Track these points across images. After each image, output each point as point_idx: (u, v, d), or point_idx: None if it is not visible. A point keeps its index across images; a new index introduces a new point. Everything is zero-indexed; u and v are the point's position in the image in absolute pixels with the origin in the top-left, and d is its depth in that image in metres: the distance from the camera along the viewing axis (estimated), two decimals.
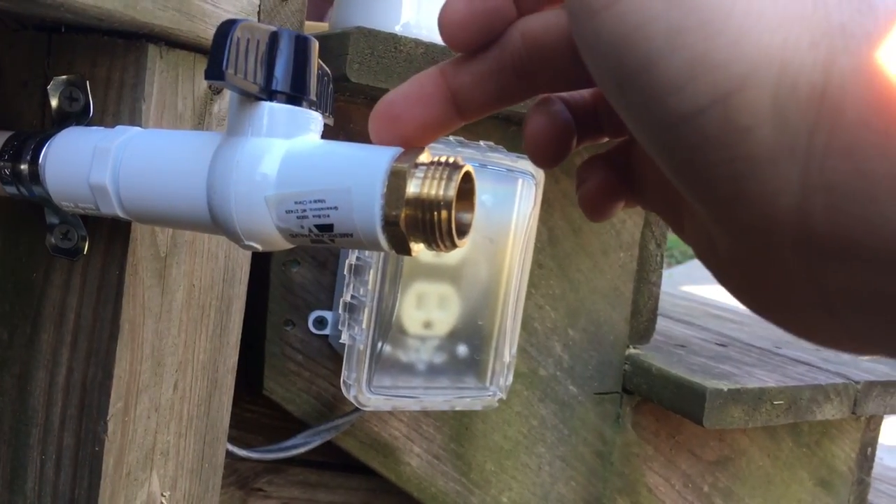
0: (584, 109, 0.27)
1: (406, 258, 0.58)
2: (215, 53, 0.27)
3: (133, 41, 0.38)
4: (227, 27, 0.27)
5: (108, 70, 0.38)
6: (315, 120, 0.31)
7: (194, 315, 0.44)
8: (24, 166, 0.36)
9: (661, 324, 0.97)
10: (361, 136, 0.63)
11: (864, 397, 0.84)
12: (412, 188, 0.27)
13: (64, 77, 0.38)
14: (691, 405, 0.72)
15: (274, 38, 0.29)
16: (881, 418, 0.98)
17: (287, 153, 0.30)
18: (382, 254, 0.56)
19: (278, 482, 0.76)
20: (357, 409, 0.63)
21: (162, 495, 0.45)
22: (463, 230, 0.28)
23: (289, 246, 0.31)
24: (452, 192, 0.27)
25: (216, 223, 0.31)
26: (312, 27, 0.79)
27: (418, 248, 0.28)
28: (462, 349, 0.62)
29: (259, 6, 0.42)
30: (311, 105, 0.31)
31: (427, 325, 0.60)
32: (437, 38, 0.63)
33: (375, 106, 0.25)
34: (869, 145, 0.15)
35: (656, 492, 0.83)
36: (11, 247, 0.41)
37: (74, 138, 0.35)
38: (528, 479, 0.76)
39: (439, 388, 0.61)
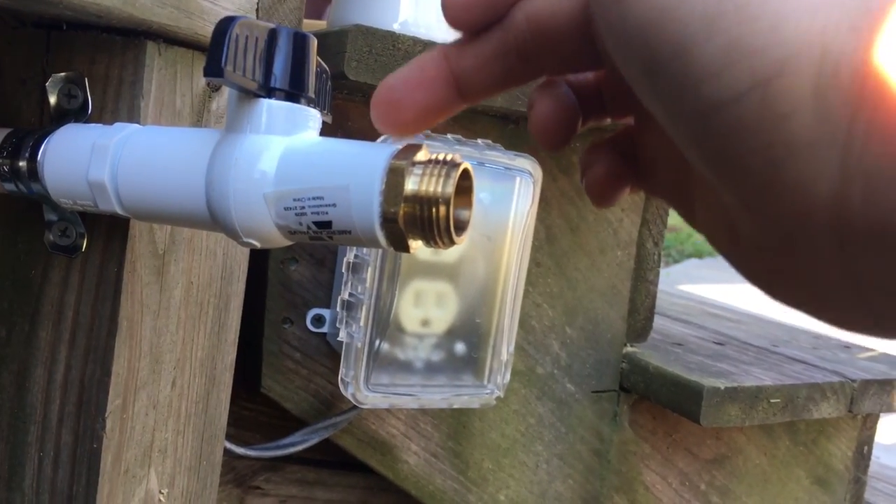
0: (588, 90, 0.26)
1: (404, 256, 0.58)
2: (214, 50, 0.27)
3: (131, 38, 0.38)
4: (225, 24, 0.28)
5: (107, 67, 0.38)
6: (313, 117, 0.31)
7: (192, 312, 0.44)
8: (22, 163, 0.36)
9: (659, 322, 0.97)
10: (359, 134, 0.63)
11: (860, 396, 0.85)
12: (410, 185, 0.27)
13: (62, 74, 0.38)
14: (688, 403, 0.72)
15: (273, 36, 0.30)
16: (878, 417, 0.99)
17: (285, 150, 0.30)
18: (380, 251, 0.56)
19: (276, 480, 0.76)
20: (355, 407, 0.63)
21: (160, 492, 0.45)
22: (461, 227, 0.28)
23: (287, 243, 0.32)
24: (451, 189, 0.27)
25: (215, 220, 0.31)
26: (311, 25, 0.79)
27: (416, 245, 0.29)
28: (460, 347, 0.62)
29: (258, 3, 0.42)
30: (310, 102, 0.31)
31: (425, 322, 0.60)
32: (435, 36, 0.63)
33: (376, 90, 0.25)
34: None
35: (653, 490, 0.84)
36: (10, 244, 0.41)
37: (73, 135, 0.35)
38: (526, 477, 0.76)
39: (437, 386, 0.61)
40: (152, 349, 0.42)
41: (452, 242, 0.28)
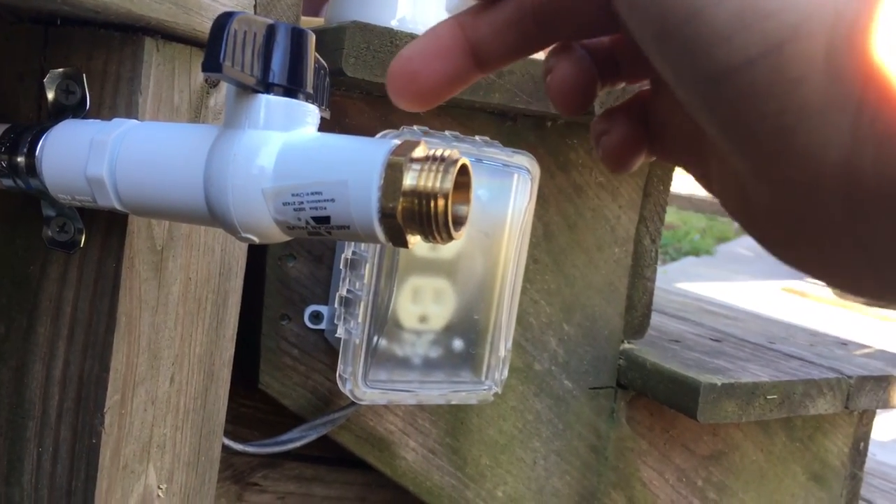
0: (604, 54, 0.26)
1: (402, 253, 0.58)
2: (212, 46, 0.27)
3: (129, 34, 0.38)
4: (224, 19, 0.28)
5: (105, 63, 0.38)
6: (312, 113, 0.31)
7: (191, 308, 0.44)
8: (20, 159, 0.36)
9: (656, 319, 0.98)
10: (357, 131, 0.63)
11: (856, 392, 0.85)
12: (409, 180, 0.27)
13: (60, 70, 0.38)
14: (685, 400, 0.72)
15: (271, 31, 0.30)
16: (874, 413, 0.99)
17: (284, 146, 0.30)
18: (378, 248, 0.56)
19: (274, 476, 0.77)
20: (353, 404, 0.64)
21: (158, 488, 0.45)
22: (459, 222, 0.28)
23: (286, 238, 0.32)
24: (449, 184, 0.27)
25: (213, 215, 0.31)
26: (308, 22, 0.79)
27: (415, 241, 0.29)
28: (457, 343, 0.62)
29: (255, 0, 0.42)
30: (308, 98, 0.31)
31: (423, 319, 0.60)
32: None
33: (392, 63, 0.24)
34: None
35: (650, 486, 0.84)
36: (8, 240, 0.41)
37: (71, 131, 0.35)
38: (523, 473, 0.76)
39: (435, 382, 0.61)
40: (150, 345, 0.42)
41: (451, 237, 0.28)
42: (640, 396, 0.80)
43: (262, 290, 0.63)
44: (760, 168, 0.18)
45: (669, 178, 0.79)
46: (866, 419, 0.98)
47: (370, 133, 0.59)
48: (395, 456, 0.70)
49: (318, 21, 0.81)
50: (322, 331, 0.65)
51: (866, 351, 1.05)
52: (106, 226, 0.39)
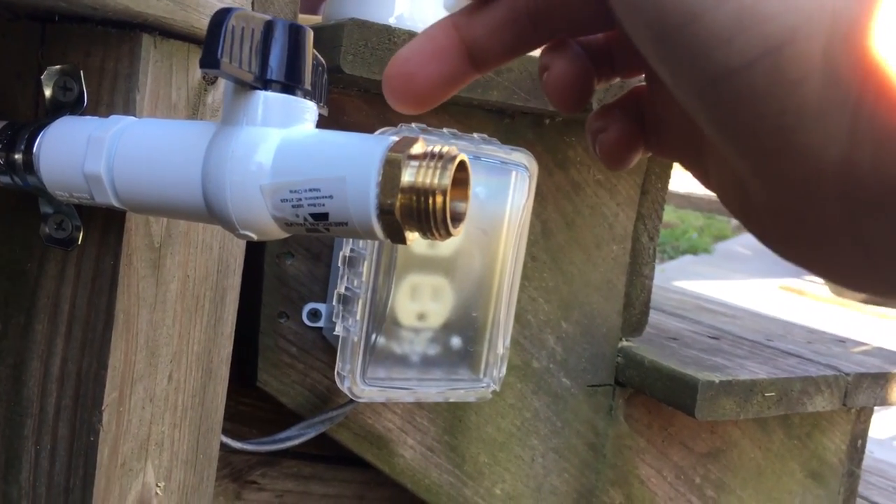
0: (599, 50, 0.26)
1: (400, 250, 0.58)
2: (210, 42, 0.27)
3: (127, 31, 0.38)
4: (221, 16, 0.28)
5: (102, 60, 0.38)
6: (310, 109, 0.31)
7: (189, 306, 0.44)
8: (18, 156, 0.36)
9: (654, 317, 0.98)
10: (355, 128, 0.63)
11: (854, 389, 0.85)
12: (407, 177, 0.27)
13: (58, 67, 0.38)
14: (683, 397, 0.73)
15: (269, 27, 0.30)
16: (871, 410, 0.99)
17: (282, 142, 0.30)
18: (376, 245, 0.56)
19: (272, 474, 0.77)
20: (351, 401, 0.64)
21: (157, 486, 0.45)
22: (457, 218, 0.28)
23: (284, 235, 0.32)
24: (447, 180, 0.27)
25: (211, 212, 0.31)
26: (306, 20, 0.79)
27: (413, 237, 0.29)
28: (456, 341, 0.62)
29: None
30: (306, 94, 0.31)
31: (421, 316, 0.60)
32: None
33: (389, 64, 0.24)
34: None
35: (648, 483, 0.84)
36: (5, 237, 0.41)
37: (69, 128, 0.35)
38: (522, 470, 0.76)
39: (433, 380, 0.61)
40: (149, 342, 0.42)
41: (449, 234, 0.28)
42: (638, 394, 0.80)
43: (261, 287, 0.63)
44: (759, 167, 0.18)
45: (667, 176, 0.79)
46: (864, 416, 0.98)
47: (368, 130, 0.59)
48: (393, 454, 0.70)
49: (315, 19, 0.81)
50: (320, 328, 0.65)
51: (864, 348, 1.05)
52: (104, 223, 0.39)
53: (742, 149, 0.18)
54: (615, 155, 0.27)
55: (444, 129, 0.58)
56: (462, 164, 0.28)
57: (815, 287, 4.87)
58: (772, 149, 0.17)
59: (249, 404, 0.73)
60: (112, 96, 0.38)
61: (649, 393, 0.77)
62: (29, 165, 0.35)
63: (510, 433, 0.75)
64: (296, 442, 0.64)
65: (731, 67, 0.17)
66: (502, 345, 0.63)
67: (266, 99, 0.30)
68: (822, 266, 0.20)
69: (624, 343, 0.80)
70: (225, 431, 0.52)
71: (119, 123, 0.34)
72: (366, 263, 0.56)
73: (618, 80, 0.27)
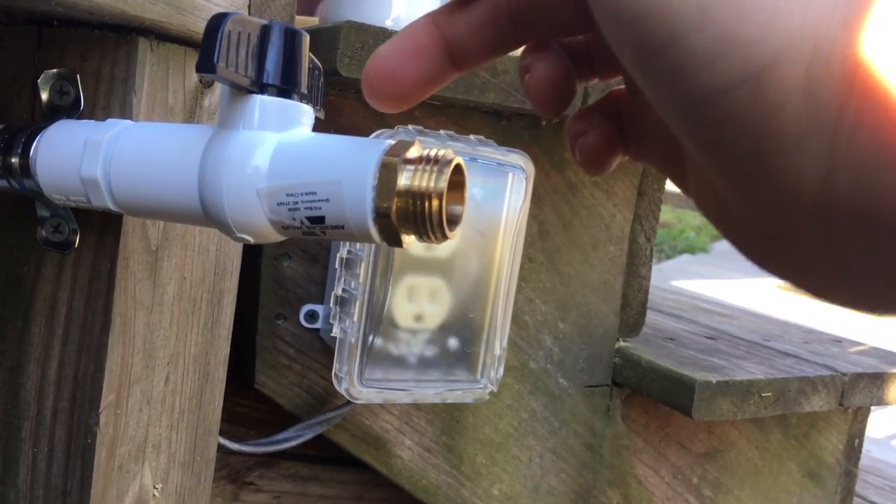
0: (579, 50, 0.26)
1: (397, 252, 0.58)
2: (206, 46, 0.27)
3: (123, 35, 0.38)
4: (218, 20, 0.28)
5: (99, 63, 0.38)
6: (306, 113, 0.31)
7: (186, 308, 0.44)
8: (14, 160, 0.36)
9: (651, 317, 0.98)
10: (352, 131, 0.63)
11: (851, 389, 0.85)
12: (403, 180, 0.27)
13: (54, 71, 0.38)
14: (680, 397, 0.73)
15: (265, 32, 0.30)
16: (868, 410, 0.99)
17: (278, 146, 0.30)
18: (373, 247, 0.57)
19: (270, 476, 0.77)
20: (348, 402, 0.64)
21: (154, 488, 0.45)
22: (454, 221, 0.29)
23: (280, 238, 0.32)
24: (443, 184, 0.27)
25: (208, 216, 0.31)
26: (302, 21, 0.79)
27: (409, 240, 0.29)
28: (453, 342, 0.62)
29: (249, 0, 0.42)
30: (302, 98, 0.31)
31: (418, 318, 0.60)
32: None
33: (368, 62, 0.24)
34: None
35: (646, 483, 0.84)
36: (2, 241, 0.41)
37: (65, 131, 0.35)
38: (519, 471, 0.76)
39: (430, 381, 0.62)
40: (146, 345, 0.42)
41: (445, 237, 0.28)
42: (635, 394, 0.80)
43: (258, 289, 0.63)
44: (739, 187, 0.18)
45: (664, 177, 0.79)
46: (861, 416, 0.99)
47: (365, 133, 0.59)
48: (390, 455, 0.70)
49: (312, 20, 0.81)
50: (318, 330, 0.65)
51: (860, 348, 1.05)
52: (100, 226, 0.39)
53: (722, 168, 0.18)
54: (595, 159, 0.27)
55: (441, 131, 0.58)
56: (458, 168, 0.28)
57: None
58: (751, 170, 0.18)
59: (247, 406, 0.73)
60: (109, 100, 0.38)
61: (646, 393, 0.77)
62: (26, 169, 0.35)
63: (508, 434, 0.75)
64: (293, 443, 0.64)
65: (713, 90, 0.17)
66: (499, 346, 0.63)
67: (262, 103, 0.30)
68: (799, 279, 0.20)
69: (621, 343, 0.80)
70: (222, 433, 0.52)
71: (116, 127, 0.34)
72: (363, 265, 0.56)
73: (596, 80, 0.27)
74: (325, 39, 0.57)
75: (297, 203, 0.29)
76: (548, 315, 0.75)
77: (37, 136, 0.36)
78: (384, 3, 0.64)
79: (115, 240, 0.39)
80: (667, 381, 0.74)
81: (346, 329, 0.57)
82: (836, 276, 0.18)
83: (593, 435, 0.80)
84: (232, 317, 0.49)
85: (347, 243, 0.58)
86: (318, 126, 0.33)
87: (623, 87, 0.27)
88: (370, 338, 0.59)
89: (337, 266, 0.58)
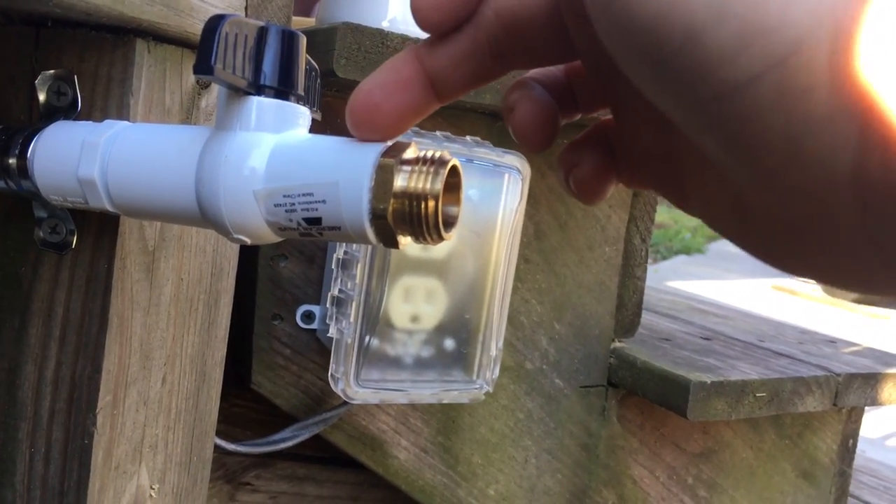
0: (560, 87, 0.27)
1: (393, 252, 0.58)
2: (204, 48, 0.28)
3: (121, 36, 0.38)
4: (215, 22, 0.28)
5: (96, 65, 0.38)
6: (303, 114, 0.32)
7: (182, 309, 0.44)
8: (12, 160, 0.36)
9: (646, 318, 0.98)
10: (348, 133, 0.63)
11: (845, 389, 0.86)
12: (399, 182, 0.27)
13: (52, 72, 0.38)
14: (675, 398, 0.73)
15: (262, 33, 0.30)
16: (862, 410, 1.00)
17: (275, 147, 0.30)
18: (370, 248, 0.57)
19: (266, 476, 0.77)
20: (345, 403, 0.64)
21: (151, 488, 0.45)
22: (450, 223, 0.29)
23: (277, 239, 0.32)
24: (439, 186, 0.27)
25: (205, 217, 0.31)
26: (299, 23, 0.79)
27: (405, 241, 0.29)
28: (449, 343, 0.62)
29: (246, 1, 0.42)
30: (299, 100, 0.31)
31: (414, 318, 0.61)
32: (423, 34, 0.63)
33: (352, 96, 0.25)
34: None
35: (641, 484, 0.84)
36: None
37: (63, 132, 0.35)
38: (515, 471, 0.76)
39: (426, 382, 0.62)
40: (142, 345, 0.42)
41: (441, 238, 0.28)
42: (630, 395, 0.81)
43: (254, 290, 0.64)
44: (769, 179, 0.18)
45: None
46: (855, 416, 0.99)
47: None
48: (387, 455, 0.70)
49: (308, 21, 0.81)
50: (314, 330, 0.65)
51: (854, 349, 1.05)
52: (98, 227, 0.39)
53: (750, 162, 0.18)
54: (589, 189, 0.27)
55: (437, 133, 0.59)
56: (454, 169, 0.28)
57: (806, 286, 4.89)
58: (782, 159, 0.17)
59: (243, 406, 0.73)
60: (106, 101, 0.38)
61: (642, 394, 0.77)
62: (23, 170, 0.36)
63: (503, 434, 0.75)
64: (290, 443, 0.64)
65: (737, 83, 0.17)
66: (495, 346, 0.63)
67: (259, 104, 0.30)
68: (832, 271, 0.20)
69: (616, 344, 0.80)
70: (219, 433, 0.53)
71: (113, 128, 0.34)
72: (359, 266, 0.57)
73: (579, 116, 0.28)
74: (321, 41, 0.58)
75: (293, 204, 0.29)
76: (543, 316, 0.75)
77: (34, 137, 0.36)
78: (381, 5, 0.64)
79: (112, 241, 0.39)
80: (662, 381, 0.75)
81: (342, 329, 0.58)
82: (874, 261, 0.18)
83: (589, 435, 0.80)
84: (228, 317, 0.49)
85: (344, 244, 0.58)
86: (315, 127, 0.33)
87: (611, 117, 0.27)
88: (366, 338, 0.59)
89: (333, 267, 0.58)
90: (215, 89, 0.43)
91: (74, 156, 0.34)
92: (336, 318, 0.58)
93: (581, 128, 0.29)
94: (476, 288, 0.62)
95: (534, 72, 0.27)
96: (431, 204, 0.27)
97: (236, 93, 0.30)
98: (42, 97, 0.38)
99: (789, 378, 0.80)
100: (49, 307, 0.40)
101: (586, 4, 0.20)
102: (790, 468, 0.95)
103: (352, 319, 0.57)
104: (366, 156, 0.28)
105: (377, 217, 0.28)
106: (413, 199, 0.27)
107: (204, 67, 0.28)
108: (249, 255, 0.62)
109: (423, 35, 0.25)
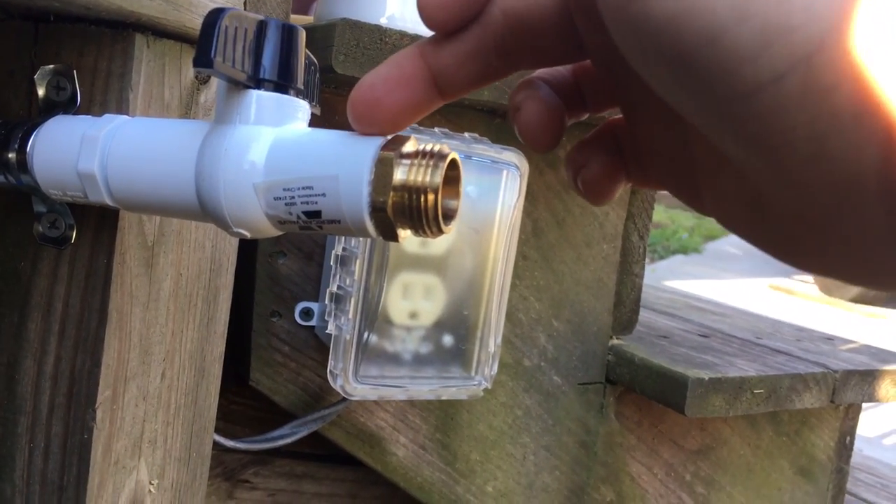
0: (567, 87, 0.26)
1: (392, 248, 0.58)
2: (203, 41, 0.28)
3: (120, 30, 0.38)
4: (215, 16, 0.28)
5: (96, 59, 0.38)
6: (302, 108, 0.32)
7: (181, 304, 0.44)
8: (11, 155, 0.36)
9: (644, 315, 0.98)
10: (347, 128, 0.63)
11: (842, 386, 0.86)
12: (399, 175, 0.27)
13: (51, 66, 0.38)
14: (673, 394, 0.73)
15: (261, 27, 0.30)
16: (860, 408, 1.00)
17: (275, 141, 0.30)
18: (369, 244, 0.57)
19: (265, 473, 0.77)
20: (343, 399, 0.64)
21: (150, 484, 0.45)
22: (449, 216, 0.29)
23: (277, 233, 0.32)
24: (439, 178, 0.27)
25: (205, 210, 0.31)
26: (297, 20, 0.79)
27: (405, 235, 0.29)
28: (447, 339, 0.62)
29: None
30: (299, 93, 0.31)
31: (413, 315, 0.61)
32: (422, 30, 0.63)
33: (354, 90, 0.25)
34: None
35: (639, 480, 0.85)
36: None
37: (62, 127, 0.35)
38: (513, 468, 0.76)
39: (425, 378, 0.62)
40: (142, 340, 0.42)
41: (441, 231, 0.28)
42: (628, 392, 0.81)
43: (253, 286, 0.64)
44: (793, 177, 0.18)
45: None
46: (852, 413, 0.99)
47: None
48: (385, 452, 0.70)
49: (307, 19, 0.81)
50: (313, 327, 0.65)
51: (851, 346, 1.06)
52: (97, 221, 0.39)
53: (773, 160, 0.18)
54: (598, 189, 0.27)
55: (436, 129, 0.59)
56: (453, 163, 0.28)
57: (803, 286, 4.90)
58: (805, 158, 0.17)
59: (242, 403, 0.73)
60: (105, 95, 0.38)
61: (640, 390, 0.77)
62: (22, 164, 0.36)
63: (502, 431, 0.75)
64: (288, 440, 0.64)
65: (761, 82, 0.17)
66: (494, 343, 0.64)
67: (259, 98, 0.30)
68: (851, 269, 0.20)
69: (614, 341, 0.80)
70: (217, 430, 0.53)
71: (112, 122, 0.34)
72: (358, 262, 0.57)
73: (587, 115, 0.27)
74: (320, 37, 0.58)
75: (293, 198, 0.29)
76: (542, 312, 0.75)
77: (34, 131, 0.36)
78: (379, 1, 0.64)
79: (112, 235, 0.39)
80: (660, 378, 0.75)
81: (341, 326, 0.58)
82: None
83: (587, 432, 0.80)
84: (227, 313, 0.49)
85: (342, 240, 0.58)
86: (314, 123, 0.33)
87: (620, 116, 0.27)
88: (365, 335, 0.59)
89: (332, 263, 0.59)
90: (214, 84, 0.43)
91: (74, 150, 0.34)
92: (335, 314, 0.58)
93: (588, 127, 0.28)
94: (474, 284, 0.62)
95: (540, 71, 0.27)
96: (431, 197, 0.27)
97: (236, 86, 0.30)
98: (41, 92, 0.38)
99: (787, 375, 0.80)
100: (48, 302, 0.40)
101: (598, 4, 0.20)
102: (788, 465, 0.95)
103: (350, 316, 0.57)
104: (365, 149, 0.28)
105: (377, 210, 0.28)
106: (413, 192, 0.27)
107: (204, 60, 0.28)
108: (248, 252, 0.62)
109: (423, 32, 0.25)
